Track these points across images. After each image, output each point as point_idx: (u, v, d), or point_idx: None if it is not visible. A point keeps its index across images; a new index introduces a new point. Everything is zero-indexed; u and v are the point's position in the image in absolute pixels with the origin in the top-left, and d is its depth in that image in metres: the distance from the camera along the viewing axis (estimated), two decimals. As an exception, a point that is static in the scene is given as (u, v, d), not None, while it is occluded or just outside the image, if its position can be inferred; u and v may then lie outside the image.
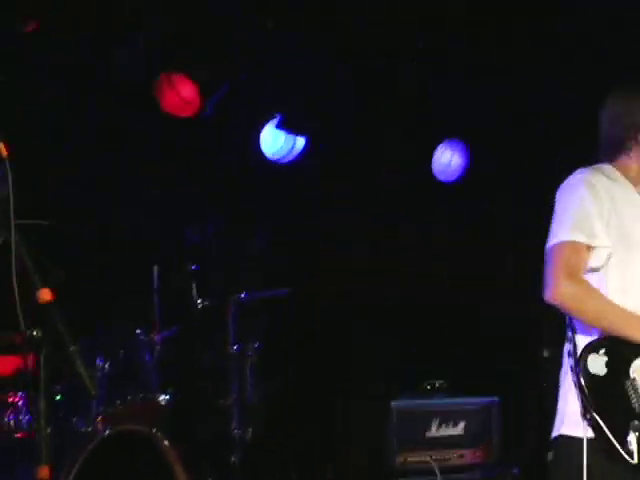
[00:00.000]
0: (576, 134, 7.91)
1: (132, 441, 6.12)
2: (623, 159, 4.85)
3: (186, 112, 7.99)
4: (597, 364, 4.58)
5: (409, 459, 7.04)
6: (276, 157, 8.67)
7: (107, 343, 6.56)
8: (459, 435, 7.27)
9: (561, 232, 4.64)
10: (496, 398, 7.56)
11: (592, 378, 4.51)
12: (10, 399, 6.21)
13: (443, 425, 7.29)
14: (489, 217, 9.47)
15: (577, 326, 4.64)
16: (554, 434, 4.72)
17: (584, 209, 4.72)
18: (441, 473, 6.96)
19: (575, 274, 4.60)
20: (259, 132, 8.50)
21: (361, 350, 8.74)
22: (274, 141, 8.62)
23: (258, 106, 8.78)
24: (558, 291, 4.57)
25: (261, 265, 8.34)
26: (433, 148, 9.41)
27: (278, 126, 8.55)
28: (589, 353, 4.55)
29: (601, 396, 4.51)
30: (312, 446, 8.06)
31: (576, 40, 8.55)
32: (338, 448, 7.99)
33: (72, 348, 3.25)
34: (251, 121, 8.79)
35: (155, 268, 7.13)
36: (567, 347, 4.67)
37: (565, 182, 4.76)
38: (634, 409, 4.53)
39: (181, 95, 8.07)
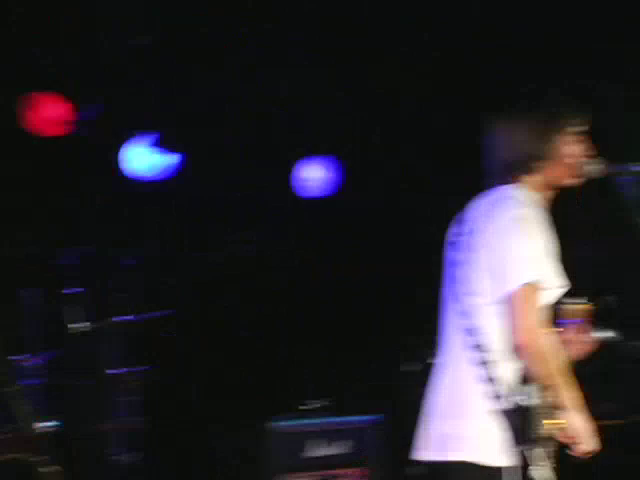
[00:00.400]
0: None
1: (11, 470, 6.19)
2: (535, 177, 4.94)
3: (55, 131, 8.00)
4: (523, 396, 4.66)
5: None
6: (147, 175, 8.81)
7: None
8: (339, 454, 7.35)
9: (521, 272, 4.71)
10: (377, 416, 7.61)
11: (521, 408, 4.64)
12: None
13: (322, 445, 7.38)
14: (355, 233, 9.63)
15: (504, 354, 4.63)
16: (458, 458, 4.63)
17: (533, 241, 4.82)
18: None
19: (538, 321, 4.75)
20: (129, 151, 8.70)
21: (237, 372, 8.78)
22: (146, 160, 8.78)
23: (128, 125, 8.93)
24: (526, 338, 4.68)
25: (136, 287, 8.13)
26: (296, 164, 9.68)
27: (151, 145, 8.73)
28: (529, 383, 4.65)
29: (523, 428, 4.67)
30: (189, 470, 8.07)
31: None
32: (217, 473, 7.95)
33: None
34: (120, 141, 8.86)
35: (26, 292, 7.15)
36: (485, 371, 4.69)
37: (496, 213, 4.80)
38: (535, 437, 4.66)
39: (47, 114, 8.10)
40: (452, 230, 4.93)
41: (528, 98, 5.08)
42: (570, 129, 4.85)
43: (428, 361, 8.05)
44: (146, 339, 8.30)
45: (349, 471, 7.40)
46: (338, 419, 7.62)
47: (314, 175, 9.92)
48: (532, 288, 4.63)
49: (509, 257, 4.67)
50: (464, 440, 4.65)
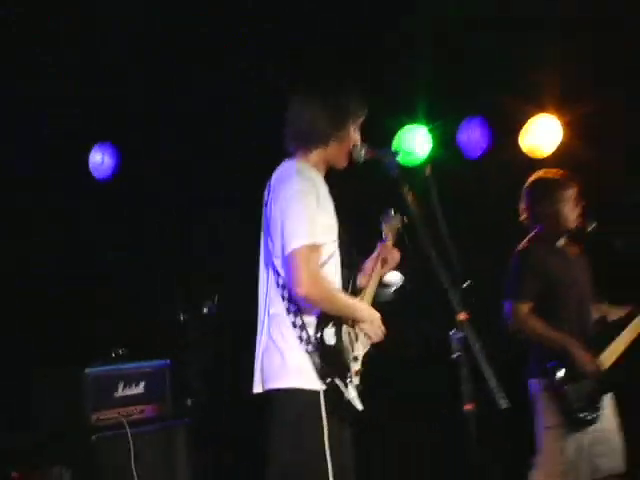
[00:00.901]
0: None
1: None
2: (315, 153, 5.46)
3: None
4: (329, 336, 5.21)
5: (101, 417, 7.39)
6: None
7: None
8: (140, 394, 7.69)
9: (297, 236, 5.23)
10: (168, 361, 7.96)
11: (325, 346, 5.20)
12: None
13: (127, 386, 7.63)
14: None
15: (303, 306, 5.23)
16: (272, 386, 5.31)
17: (302, 214, 5.27)
18: (129, 426, 7.33)
19: (317, 272, 5.25)
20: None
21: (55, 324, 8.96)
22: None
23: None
24: (308, 290, 5.17)
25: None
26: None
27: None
28: (323, 327, 5.22)
29: (331, 360, 5.22)
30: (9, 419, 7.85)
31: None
32: (34, 417, 7.75)
33: None
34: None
35: None
36: (288, 321, 5.26)
37: (282, 185, 5.36)
38: (348, 367, 5.29)
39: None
40: (264, 198, 5.56)
41: (328, 82, 5.59)
42: (357, 118, 5.45)
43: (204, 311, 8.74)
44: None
45: (149, 407, 7.73)
46: (139, 363, 7.86)
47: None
48: (307, 248, 5.15)
49: (288, 225, 5.22)
50: (287, 371, 5.24)
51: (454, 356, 4.83)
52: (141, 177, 9.76)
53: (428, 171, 5.14)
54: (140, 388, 7.68)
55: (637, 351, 7.01)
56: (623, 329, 7.00)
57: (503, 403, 4.65)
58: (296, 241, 5.14)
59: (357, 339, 5.37)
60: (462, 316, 4.83)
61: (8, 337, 8.23)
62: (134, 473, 7.20)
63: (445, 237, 4.99)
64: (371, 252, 5.79)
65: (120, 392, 7.58)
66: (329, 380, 5.14)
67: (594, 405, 6.75)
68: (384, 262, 5.70)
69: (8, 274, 9.05)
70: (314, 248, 5.16)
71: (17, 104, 9.19)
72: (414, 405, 8.30)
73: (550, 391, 6.74)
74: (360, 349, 5.39)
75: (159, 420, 7.69)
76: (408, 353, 8.29)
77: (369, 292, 5.63)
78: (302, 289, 5.10)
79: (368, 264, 5.73)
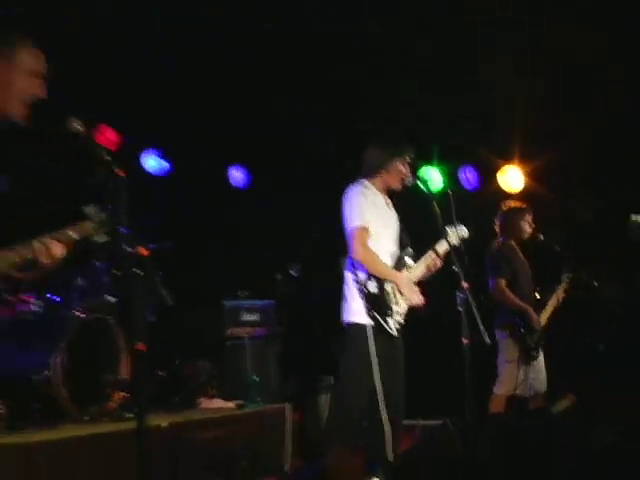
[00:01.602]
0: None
1: (96, 324, 6.04)
2: (377, 178, 5.64)
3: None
4: (372, 286, 5.40)
5: (232, 332, 7.60)
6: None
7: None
8: (254, 320, 7.70)
9: (353, 220, 5.43)
10: (273, 301, 7.86)
11: (370, 293, 5.37)
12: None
13: (247, 314, 7.68)
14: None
15: (357, 266, 5.42)
16: (344, 320, 5.50)
17: (356, 209, 5.50)
18: (247, 339, 7.48)
19: (364, 244, 5.41)
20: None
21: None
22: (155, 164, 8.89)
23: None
24: (360, 254, 5.36)
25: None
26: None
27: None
28: (368, 280, 5.40)
29: (375, 303, 5.36)
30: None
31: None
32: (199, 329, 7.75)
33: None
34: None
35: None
36: (352, 276, 5.44)
37: (348, 195, 5.54)
38: (389, 307, 5.41)
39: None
40: None
41: (383, 137, 5.75)
42: (403, 158, 5.61)
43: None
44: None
45: (259, 328, 7.70)
46: (253, 301, 7.85)
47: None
48: (358, 228, 5.38)
49: (347, 213, 5.46)
50: (348, 311, 5.50)
51: (459, 308, 5.05)
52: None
53: (450, 194, 5.31)
54: (255, 316, 7.75)
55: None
56: (546, 305, 7.14)
57: (487, 340, 4.96)
58: (352, 222, 5.43)
59: (400, 294, 5.50)
60: (465, 284, 5.10)
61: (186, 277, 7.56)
62: (249, 368, 7.37)
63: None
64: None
65: (243, 318, 7.70)
66: (372, 316, 5.33)
67: (538, 346, 6.99)
68: (433, 263, 5.67)
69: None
70: (363, 229, 5.41)
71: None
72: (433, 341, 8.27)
73: (514, 337, 6.95)
74: (402, 301, 5.52)
75: (266, 336, 7.73)
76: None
77: (414, 272, 5.64)
78: (354, 254, 5.39)
79: (423, 259, 5.70)
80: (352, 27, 7.01)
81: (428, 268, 5.68)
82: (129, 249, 3.39)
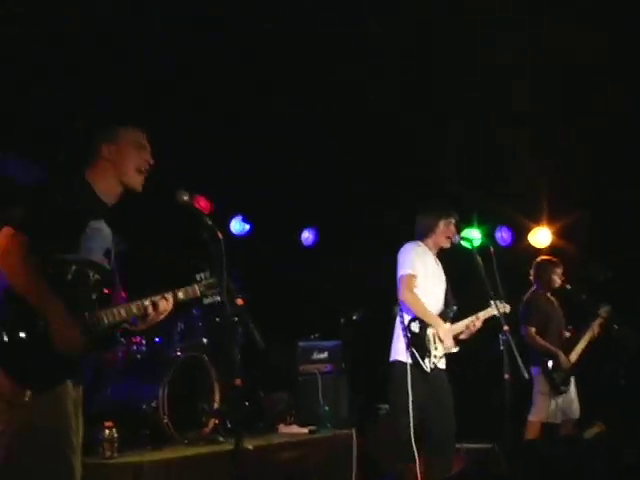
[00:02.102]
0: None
1: (193, 361, 6.11)
2: (428, 239, 5.60)
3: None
4: (415, 327, 5.43)
5: (305, 369, 7.33)
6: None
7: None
8: (325, 357, 7.50)
9: (404, 269, 5.54)
10: (340, 342, 7.68)
11: (412, 332, 5.39)
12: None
13: (318, 353, 7.49)
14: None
15: (404, 309, 5.41)
16: (391, 358, 5.48)
17: (408, 260, 5.53)
18: (319, 374, 7.29)
19: (411, 289, 5.44)
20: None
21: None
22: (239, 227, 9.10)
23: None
24: (406, 297, 5.42)
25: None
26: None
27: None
28: (412, 322, 5.44)
29: (415, 342, 5.36)
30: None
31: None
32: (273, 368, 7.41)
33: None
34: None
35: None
36: (400, 318, 5.42)
37: (403, 249, 5.62)
38: (427, 348, 5.30)
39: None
40: None
41: (430, 204, 5.74)
42: (448, 221, 5.65)
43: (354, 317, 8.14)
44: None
45: (328, 365, 7.50)
46: (323, 342, 7.70)
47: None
48: (407, 275, 5.41)
49: (400, 262, 5.53)
50: (394, 349, 5.51)
51: (501, 347, 5.00)
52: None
53: (492, 250, 5.28)
54: (325, 355, 7.61)
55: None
56: (577, 344, 7.04)
57: (525, 375, 4.94)
58: (402, 270, 5.48)
59: (439, 340, 5.47)
60: (506, 328, 5.07)
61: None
62: (320, 399, 7.22)
63: (498, 285, 5.25)
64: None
65: (315, 356, 7.55)
66: (411, 352, 5.30)
67: (566, 383, 6.90)
68: (473, 324, 5.62)
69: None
70: (411, 276, 5.45)
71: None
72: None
73: (545, 374, 6.87)
74: (439, 347, 5.46)
75: (333, 372, 7.60)
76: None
77: (455, 326, 5.59)
78: (401, 296, 5.42)
79: (467, 319, 5.65)
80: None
81: (468, 327, 5.61)
82: (231, 300, 3.45)
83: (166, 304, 3.41)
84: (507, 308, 5.53)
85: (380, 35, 6.25)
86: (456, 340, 5.54)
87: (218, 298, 3.53)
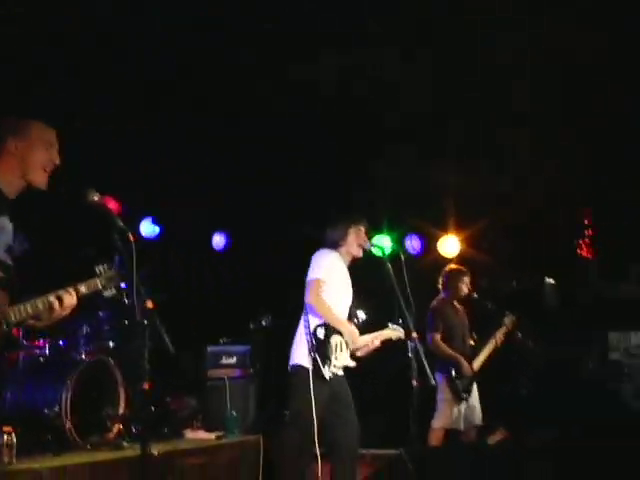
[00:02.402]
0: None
1: (98, 365, 6.00)
2: (340, 249, 5.56)
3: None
4: (320, 333, 5.34)
5: (213, 374, 7.36)
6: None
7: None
8: (233, 363, 7.50)
9: (315, 273, 5.45)
10: (248, 347, 7.66)
11: (317, 338, 5.31)
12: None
13: (226, 358, 7.51)
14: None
15: (310, 313, 5.37)
16: (291, 363, 5.42)
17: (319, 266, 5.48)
18: (227, 379, 7.27)
19: (319, 294, 5.39)
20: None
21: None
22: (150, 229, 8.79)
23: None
24: (314, 301, 5.34)
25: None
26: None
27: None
28: (318, 327, 5.35)
29: (319, 348, 5.28)
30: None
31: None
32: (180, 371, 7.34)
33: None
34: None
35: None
36: (304, 322, 5.37)
37: (316, 254, 5.53)
38: (329, 356, 5.24)
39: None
40: None
41: (338, 214, 5.80)
42: (358, 228, 5.59)
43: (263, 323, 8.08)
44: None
45: (237, 370, 7.50)
46: (232, 347, 7.66)
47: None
48: (316, 280, 5.36)
49: (311, 268, 5.44)
50: (295, 353, 5.44)
51: (409, 354, 5.02)
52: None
53: (403, 257, 5.30)
54: (234, 360, 7.60)
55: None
56: (480, 352, 7.10)
57: (432, 382, 4.99)
58: (313, 274, 5.41)
59: (342, 349, 5.41)
60: (415, 335, 5.07)
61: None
62: (228, 404, 7.16)
63: (408, 293, 5.15)
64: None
65: (223, 361, 7.56)
66: (313, 358, 5.24)
67: (468, 390, 6.95)
68: (372, 341, 5.58)
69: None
70: (321, 281, 5.38)
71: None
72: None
73: (448, 380, 6.92)
74: (340, 357, 5.40)
75: (242, 377, 7.57)
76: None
77: (361, 337, 5.55)
78: (308, 299, 5.34)
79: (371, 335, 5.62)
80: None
81: (369, 343, 5.58)
82: (140, 303, 3.42)
83: (70, 298, 3.38)
84: (402, 333, 5.49)
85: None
86: (352, 355, 5.51)
87: (114, 291, 3.57)
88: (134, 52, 6.05)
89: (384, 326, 5.65)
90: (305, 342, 5.33)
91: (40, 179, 3.38)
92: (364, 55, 6.55)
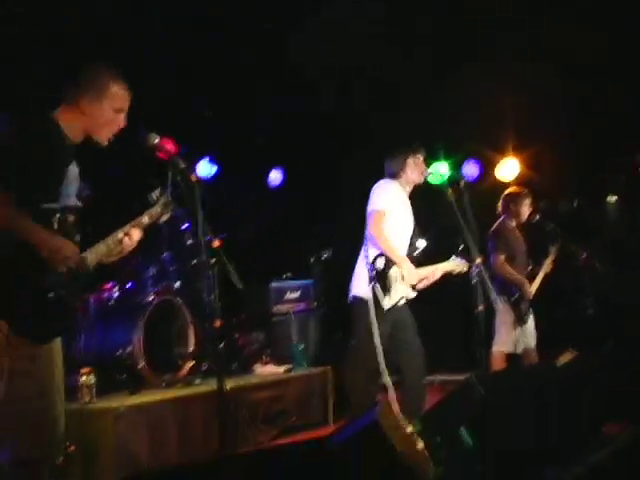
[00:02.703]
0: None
1: (167, 305, 6.09)
2: (401, 179, 5.61)
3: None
4: (379, 263, 5.33)
5: (278, 308, 7.46)
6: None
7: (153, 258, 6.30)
8: (296, 297, 7.65)
9: (376, 204, 5.43)
10: (311, 280, 7.86)
11: (377, 269, 5.31)
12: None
13: (291, 292, 7.65)
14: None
15: (372, 244, 5.39)
16: (351, 294, 5.49)
17: (380, 197, 5.42)
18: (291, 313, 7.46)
19: (380, 225, 5.34)
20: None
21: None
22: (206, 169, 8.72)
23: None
24: (375, 232, 5.36)
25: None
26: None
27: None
28: (377, 258, 5.34)
29: (379, 278, 5.28)
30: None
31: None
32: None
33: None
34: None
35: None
36: (364, 252, 5.41)
37: (377, 185, 5.55)
38: (388, 287, 5.30)
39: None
40: None
41: (396, 144, 5.76)
42: (416, 157, 5.63)
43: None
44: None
45: (301, 304, 7.67)
46: (295, 282, 7.79)
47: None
48: (377, 211, 5.38)
49: (371, 200, 5.47)
50: (355, 284, 5.51)
51: (474, 279, 5.02)
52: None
53: (462, 183, 5.30)
54: (297, 294, 7.73)
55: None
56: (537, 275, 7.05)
57: (500, 305, 5.09)
58: (374, 205, 5.43)
59: (401, 280, 5.39)
60: (478, 260, 5.11)
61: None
62: (294, 338, 7.25)
63: (469, 218, 5.18)
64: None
65: (287, 296, 7.65)
66: (373, 287, 5.25)
67: (527, 312, 6.92)
68: (432, 274, 5.57)
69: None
70: (383, 212, 5.40)
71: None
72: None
73: (510, 304, 6.84)
74: (400, 288, 5.38)
75: (306, 311, 7.75)
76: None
77: (419, 270, 5.51)
78: (370, 229, 5.36)
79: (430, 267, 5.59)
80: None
81: (429, 275, 5.56)
82: (206, 240, 3.50)
83: (137, 231, 3.51)
84: (464, 266, 5.50)
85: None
86: (413, 286, 5.50)
87: (171, 213, 3.66)
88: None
89: (447, 257, 5.62)
90: (364, 273, 5.33)
91: (103, 138, 3.42)
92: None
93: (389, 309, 5.29)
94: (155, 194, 3.63)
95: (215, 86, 7.36)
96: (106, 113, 3.38)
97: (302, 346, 7.09)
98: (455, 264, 5.56)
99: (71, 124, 3.34)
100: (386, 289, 5.30)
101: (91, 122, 3.37)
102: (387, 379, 5.15)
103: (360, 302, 5.34)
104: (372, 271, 5.28)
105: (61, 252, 3.13)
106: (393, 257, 5.36)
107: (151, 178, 3.70)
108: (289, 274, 7.96)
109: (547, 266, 7.14)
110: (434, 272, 5.55)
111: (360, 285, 5.39)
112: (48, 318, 3.16)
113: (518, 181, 8.39)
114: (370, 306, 5.21)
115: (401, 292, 5.39)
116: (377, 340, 5.14)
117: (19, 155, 3.06)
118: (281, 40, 6.69)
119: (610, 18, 5.96)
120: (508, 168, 8.84)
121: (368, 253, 5.36)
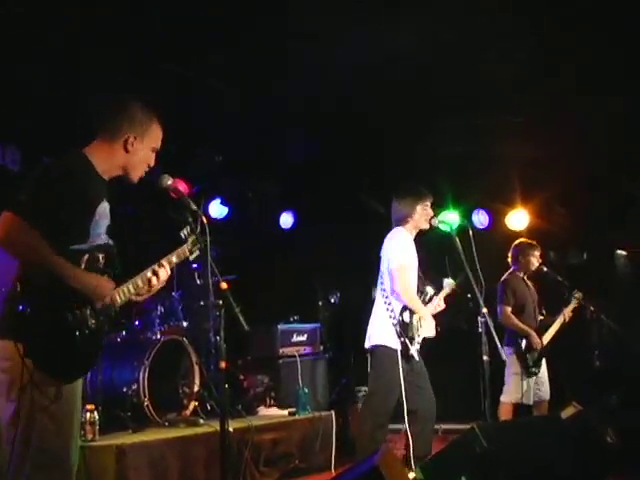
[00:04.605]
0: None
1: (173, 344, 6.10)
2: (408, 224, 5.59)
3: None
4: (406, 316, 5.40)
5: (284, 351, 7.33)
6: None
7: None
8: (303, 340, 7.58)
9: (398, 260, 5.43)
10: (319, 324, 7.82)
11: (404, 322, 5.37)
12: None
13: (297, 336, 7.58)
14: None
15: (395, 298, 5.40)
16: (374, 343, 5.48)
17: (398, 251, 5.49)
18: (298, 357, 7.33)
19: (405, 281, 5.44)
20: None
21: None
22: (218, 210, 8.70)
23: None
24: (401, 288, 5.33)
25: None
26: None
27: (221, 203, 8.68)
28: (403, 311, 5.43)
29: (406, 331, 5.34)
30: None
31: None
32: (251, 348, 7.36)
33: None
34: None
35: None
36: (386, 305, 5.45)
37: (392, 237, 5.57)
38: (414, 336, 5.35)
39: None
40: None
41: (405, 189, 5.71)
42: (425, 204, 5.59)
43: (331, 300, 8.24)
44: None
45: (307, 347, 7.59)
46: (302, 325, 7.77)
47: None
48: (399, 266, 5.38)
49: (394, 251, 5.51)
50: (379, 334, 5.51)
51: (480, 329, 5.03)
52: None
53: (470, 231, 5.30)
54: (304, 337, 7.69)
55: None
56: (550, 326, 7.03)
57: (504, 356, 5.05)
58: (398, 261, 5.48)
59: (422, 324, 5.53)
60: (484, 310, 5.08)
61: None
62: (300, 381, 7.19)
63: (476, 267, 5.17)
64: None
65: (294, 339, 7.60)
66: (402, 341, 5.36)
67: (538, 363, 6.89)
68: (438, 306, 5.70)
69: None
70: (404, 267, 5.48)
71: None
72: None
73: (518, 355, 6.86)
74: (421, 332, 5.54)
75: (312, 355, 7.70)
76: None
77: (429, 309, 5.65)
78: (396, 286, 5.41)
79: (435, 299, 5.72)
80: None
81: (435, 308, 5.70)
82: (214, 281, 3.46)
83: (165, 271, 3.42)
84: (452, 284, 5.68)
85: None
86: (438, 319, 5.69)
87: (199, 252, 3.55)
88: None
89: (440, 287, 5.79)
90: (388, 324, 5.41)
91: (136, 176, 3.38)
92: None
93: (413, 356, 5.40)
94: (185, 232, 3.56)
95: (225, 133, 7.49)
96: (145, 152, 3.36)
97: (307, 390, 7.06)
98: (449, 286, 5.71)
99: (107, 160, 3.29)
100: (412, 339, 5.42)
101: (131, 160, 3.32)
102: (407, 425, 5.30)
103: (385, 351, 5.40)
104: (400, 324, 5.38)
105: (97, 289, 3.10)
106: (415, 309, 5.48)
107: (171, 216, 3.69)
108: (296, 317, 7.96)
109: (566, 314, 7.10)
110: (439, 303, 5.70)
111: (384, 334, 5.44)
112: (76, 357, 3.10)
113: (528, 231, 8.46)
114: (398, 355, 5.30)
115: (423, 334, 5.53)
116: (404, 387, 5.25)
117: (58, 202, 3.03)
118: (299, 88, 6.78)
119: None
120: (517, 218, 8.87)
121: (393, 307, 5.44)
